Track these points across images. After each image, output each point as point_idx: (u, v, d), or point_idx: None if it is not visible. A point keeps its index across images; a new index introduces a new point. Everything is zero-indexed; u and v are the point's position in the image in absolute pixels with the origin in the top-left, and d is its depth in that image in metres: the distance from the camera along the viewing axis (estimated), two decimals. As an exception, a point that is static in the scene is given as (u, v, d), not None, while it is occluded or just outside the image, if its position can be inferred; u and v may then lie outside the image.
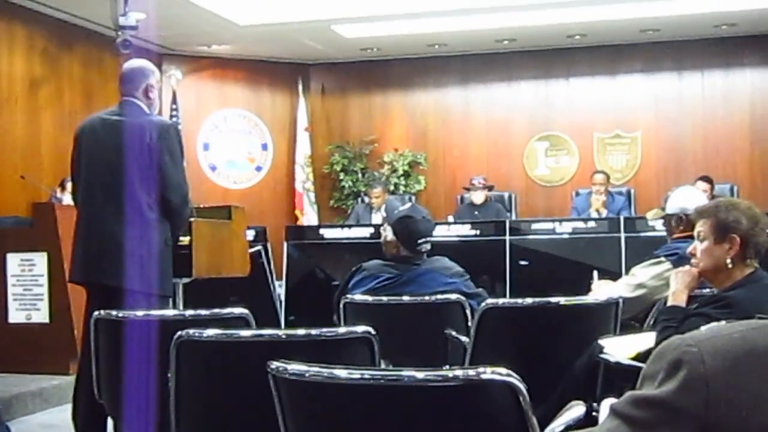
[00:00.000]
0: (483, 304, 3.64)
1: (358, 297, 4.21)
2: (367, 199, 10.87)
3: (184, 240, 4.90)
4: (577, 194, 10.67)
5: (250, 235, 8.42)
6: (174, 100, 11.54)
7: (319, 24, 10.68)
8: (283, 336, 2.70)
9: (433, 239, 4.46)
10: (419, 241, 4.36)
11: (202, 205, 5.76)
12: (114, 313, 3.35)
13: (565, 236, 8.74)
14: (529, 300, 3.52)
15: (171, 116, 11.46)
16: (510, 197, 10.97)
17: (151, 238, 4.30)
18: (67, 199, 8.33)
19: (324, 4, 10.07)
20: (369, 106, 12.78)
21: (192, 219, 4.91)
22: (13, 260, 6.52)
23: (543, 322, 3.54)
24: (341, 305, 4.18)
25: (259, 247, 8.90)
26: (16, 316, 6.53)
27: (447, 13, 10.29)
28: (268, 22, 10.50)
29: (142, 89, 4.51)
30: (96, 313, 3.40)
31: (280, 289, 9.31)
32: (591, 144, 12.04)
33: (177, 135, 4.43)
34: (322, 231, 9.59)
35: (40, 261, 6.47)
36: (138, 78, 4.52)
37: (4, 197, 9.06)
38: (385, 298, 4.16)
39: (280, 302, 9.20)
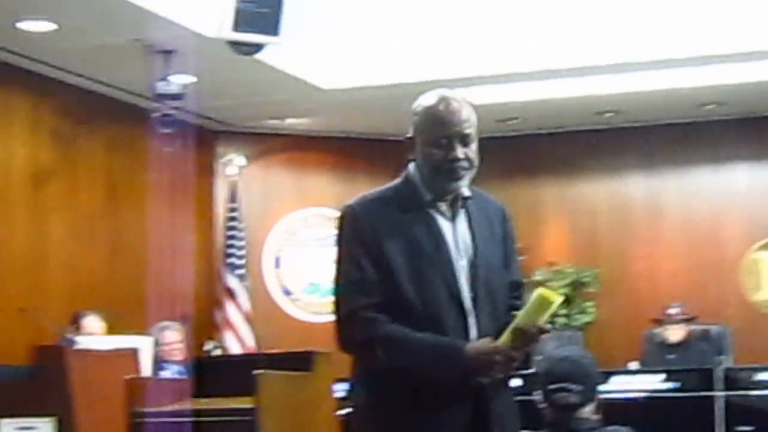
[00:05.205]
0: None
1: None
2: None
3: (245, 401, 4.98)
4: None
5: (341, 390, 8.47)
6: (233, 197, 11.76)
7: (437, 85, 10.67)
8: None
9: (577, 392, 4.46)
10: (551, 387, 4.43)
11: (272, 350, 5.87)
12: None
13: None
14: None
15: (228, 219, 11.67)
16: (721, 334, 10.83)
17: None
18: (84, 340, 8.42)
19: (443, 59, 10.16)
20: (513, 201, 12.54)
21: (257, 372, 5.00)
22: (7, 430, 6.63)
23: None
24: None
25: (351, 409, 8.92)
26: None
27: (621, 68, 10.34)
28: (362, 85, 10.70)
29: None
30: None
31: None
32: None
33: (342, 219, 3.98)
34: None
35: (45, 430, 6.58)
36: None
37: (-5, 338, 9.14)
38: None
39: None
